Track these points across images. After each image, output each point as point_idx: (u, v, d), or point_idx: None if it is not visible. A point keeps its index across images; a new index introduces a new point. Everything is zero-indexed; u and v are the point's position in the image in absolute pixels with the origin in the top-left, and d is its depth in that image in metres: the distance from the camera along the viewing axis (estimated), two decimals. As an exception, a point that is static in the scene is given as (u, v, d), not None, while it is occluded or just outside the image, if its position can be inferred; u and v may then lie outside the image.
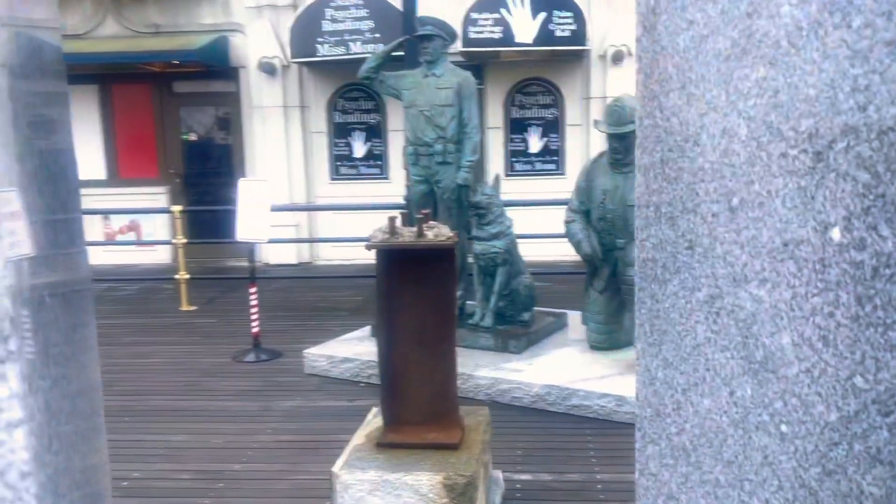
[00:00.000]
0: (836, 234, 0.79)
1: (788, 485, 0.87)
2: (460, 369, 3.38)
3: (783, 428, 0.88)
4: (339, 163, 10.48)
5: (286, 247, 9.96)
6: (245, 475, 3.66)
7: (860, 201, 0.75)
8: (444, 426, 2.96)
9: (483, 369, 4.76)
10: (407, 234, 2.86)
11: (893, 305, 0.73)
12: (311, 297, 8.05)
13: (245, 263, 7.91)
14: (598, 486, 3.47)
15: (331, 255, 10.40)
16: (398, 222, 2.89)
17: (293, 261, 10.16)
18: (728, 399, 0.96)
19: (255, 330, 5.79)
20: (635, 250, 1.14)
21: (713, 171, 0.95)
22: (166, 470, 3.72)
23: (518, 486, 3.50)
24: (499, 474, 3.44)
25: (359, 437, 3.02)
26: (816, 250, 0.81)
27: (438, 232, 2.86)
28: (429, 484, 2.66)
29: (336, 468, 2.75)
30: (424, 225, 2.86)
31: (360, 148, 10.45)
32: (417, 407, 2.96)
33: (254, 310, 5.78)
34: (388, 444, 2.89)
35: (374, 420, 3.20)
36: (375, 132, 10.38)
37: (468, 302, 5.73)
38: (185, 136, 10.66)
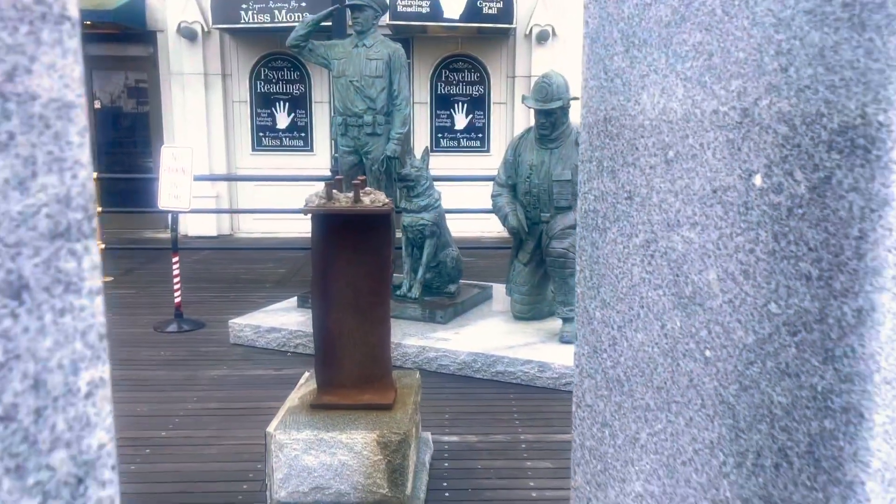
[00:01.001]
0: (758, 180, 0.90)
1: (710, 402, 1.00)
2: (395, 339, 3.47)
3: (707, 353, 1.00)
4: (261, 134, 10.29)
5: (206, 219, 9.73)
6: (173, 441, 3.63)
7: (779, 150, 0.87)
8: (377, 388, 3.03)
9: (411, 338, 4.85)
10: (343, 200, 2.90)
11: (804, 240, 0.85)
12: (233, 268, 7.92)
13: (162, 235, 7.70)
14: (522, 446, 3.63)
15: (252, 228, 10.24)
16: (334, 188, 2.92)
17: (213, 233, 9.94)
18: (659, 332, 1.08)
19: (177, 300, 5.68)
20: (578, 202, 1.24)
21: (652, 127, 1.06)
22: (89, 438, 3.65)
23: (446, 446, 3.62)
24: (428, 435, 3.55)
25: (292, 400, 3.06)
26: (741, 195, 0.93)
27: (375, 198, 2.91)
28: (363, 442, 2.74)
29: (271, 428, 2.79)
30: (361, 191, 2.90)
31: (283, 119, 10.28)
32: (352, 370, 3.03)
33: (176, 279, 5.66)
34: (323, 406, 2.94)
35: (306, 384, 3.24)
36: (300, 103, 10.23)
37: (395, 274, 5.79)
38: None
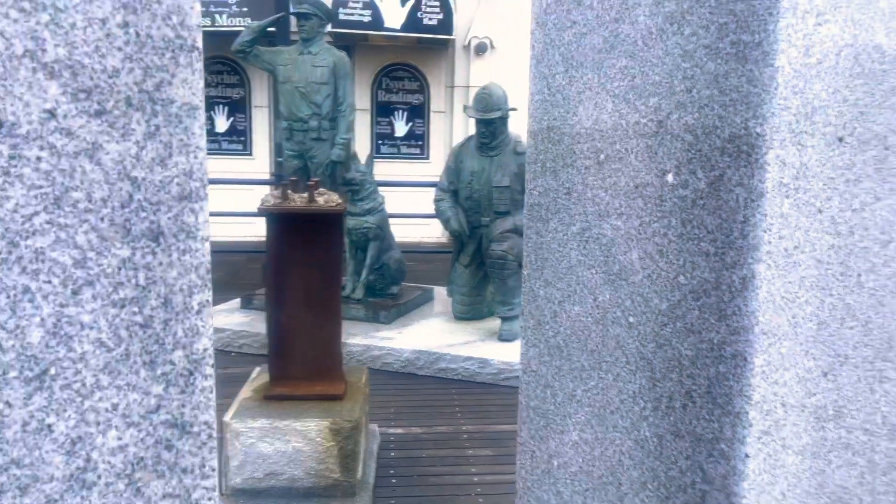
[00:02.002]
0: (669, 177, 1.13)
1: (633, 359, 1.22)
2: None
3: (630, 319, 1.22)
4: (200, 137, 10.24)
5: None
6: (122, 437, 3.69)
7: (686, 154, 1.10)
8: (329, 380, 3.19)
9: (355, 338, 5.00)
10: (298, 200, 3.05)
11: (704, 225, 1.08)
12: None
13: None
14: (464, 436, 3.84)
15: (190, 232, 10.16)
16: (289, 189, 3.07)
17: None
18: (592, 304, 1.30)
19: (118, 301, 5.66)
20: (526, 198, 1.46)
21: (587, 134, 1.28)
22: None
23: (392, 437, 3.79)
24: (375, 427, 3.72)
25: (245, 392, 3.18)
26: (657, 190, 1.16)
27: (328, 198, 3.07)
28: (317, 429, 2.89)
29: (227, 418, 2.91)
30: (315, 192, 3.06)
31: (222, 122, 10.25)
32: (304, 363, 3.17)
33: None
34: (276, 397, 3.08)
35: (258, 378, 3.37)
36: (239, 107, 10.23)
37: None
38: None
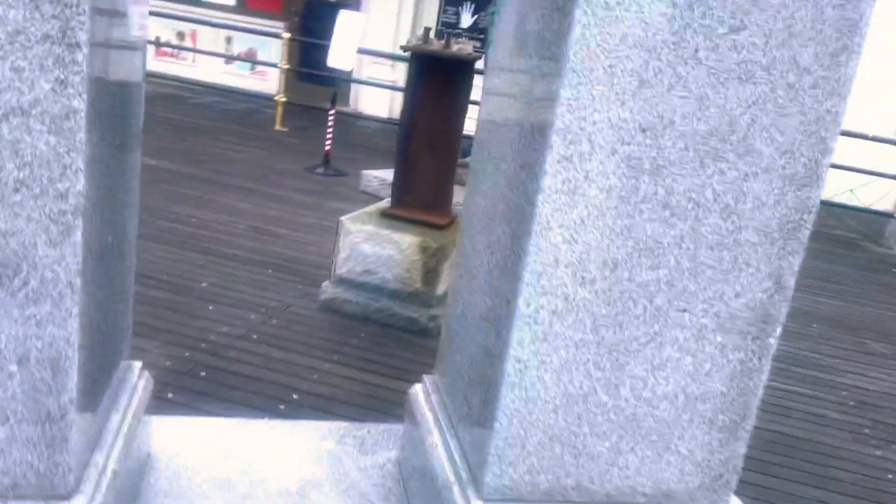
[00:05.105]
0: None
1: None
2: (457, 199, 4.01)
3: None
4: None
5: (380, 100, 10.60)
6: (287, 237, 4.50)
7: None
8: (437, 212, 3.61)
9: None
10: (437, 45, 3.43)
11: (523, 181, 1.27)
12: (388, 143, 8.75)
13: (343, 108, 8.65)
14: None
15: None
16: (432, 33, 3.45)
17: (384, 115, 10.83)
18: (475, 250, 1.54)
19: (327, 148, 6.56)
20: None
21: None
22: (225, 221, 4.61)
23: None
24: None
25: (369, 209, 3.73)
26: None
27: (462, 47, 3.40)
28: (409, 242, 3.34)
29: (343, 218, 3.48)
30: (452, 40, 3.41)
31: (466, 19, 10.78)
32: (419, 194, 3.62)
33: (329, 130, 6.53)
34: (390, 215, 3.58)
35: (384, 203, 3.89)
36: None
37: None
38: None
